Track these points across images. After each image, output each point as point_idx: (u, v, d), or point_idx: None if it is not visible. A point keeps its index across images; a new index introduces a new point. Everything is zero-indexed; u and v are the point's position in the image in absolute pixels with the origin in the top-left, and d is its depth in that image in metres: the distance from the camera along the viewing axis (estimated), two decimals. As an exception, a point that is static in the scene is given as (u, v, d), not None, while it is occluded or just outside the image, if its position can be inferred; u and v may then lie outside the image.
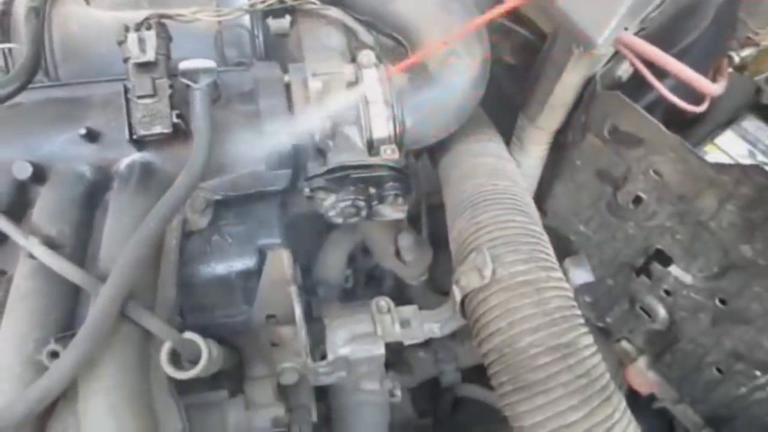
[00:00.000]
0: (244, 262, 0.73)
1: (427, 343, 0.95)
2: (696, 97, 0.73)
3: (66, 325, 0.60)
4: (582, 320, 0.63)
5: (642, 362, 0.92)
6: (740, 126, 0.82)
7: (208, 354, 0.61)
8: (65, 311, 0.61)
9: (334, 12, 0.77)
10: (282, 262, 0.68)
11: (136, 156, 0.70)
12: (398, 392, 0.90)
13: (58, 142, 0.69)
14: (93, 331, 0.55)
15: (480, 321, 0.64)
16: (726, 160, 0.80)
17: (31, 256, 0.61)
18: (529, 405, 0.58)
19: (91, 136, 0.69)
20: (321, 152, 0.72)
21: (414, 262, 0.90)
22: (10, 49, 0.76)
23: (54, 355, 0.55)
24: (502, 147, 0.86)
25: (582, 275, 0.77)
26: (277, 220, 0.75)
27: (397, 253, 0.89)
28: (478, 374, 1.13)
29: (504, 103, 0.89)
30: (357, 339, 0.73)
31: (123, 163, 0.70)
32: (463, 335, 1.15)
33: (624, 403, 0.60)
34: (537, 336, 0.59)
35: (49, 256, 0.60)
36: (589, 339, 0.62)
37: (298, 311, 0.68)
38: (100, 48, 0.78)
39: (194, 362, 0.61)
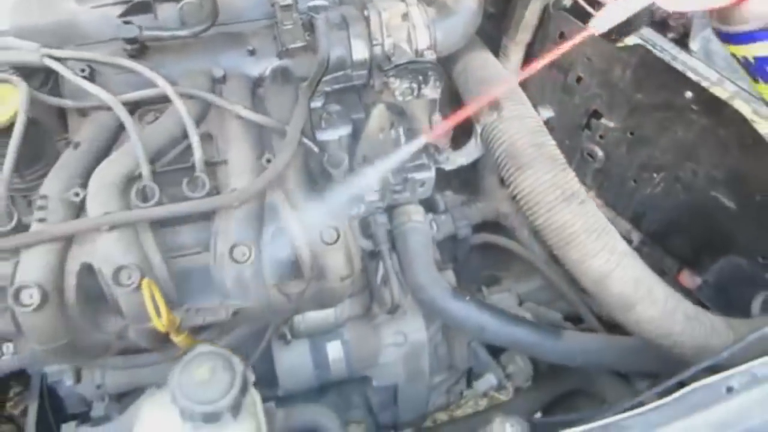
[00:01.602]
0: (345, 129, 1.21)
1: (446, 210, 1.44)
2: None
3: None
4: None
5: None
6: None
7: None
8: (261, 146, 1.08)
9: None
10: (382, 114, 1.16)
11: (279, 63, 1.16)
12: (434, 225, 1.38)
13: (233, 57, 1.15)
14: (289, 150, 1.02)
15: (494, 146, 1.13)
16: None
17: (238, 116, 1.07)
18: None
19: (252, 52, 1.15)
20: (388, 58, 1.20)
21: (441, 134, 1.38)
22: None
23: (269, 161, 1.03)
24: (493, 57, 1.35)
25: (546, 113, 1.26)
26: (359, 103, 1.23)
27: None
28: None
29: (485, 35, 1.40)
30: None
31: (269, 69, 1.17)
32: (470, 201, 1.64)
33: None
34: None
35: (251, 114, 1.07)
36: None
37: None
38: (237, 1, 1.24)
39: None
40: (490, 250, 1.67)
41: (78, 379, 1.28)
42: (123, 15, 1.18)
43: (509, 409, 1.59)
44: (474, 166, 1.55)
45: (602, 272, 1.05)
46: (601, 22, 0.97)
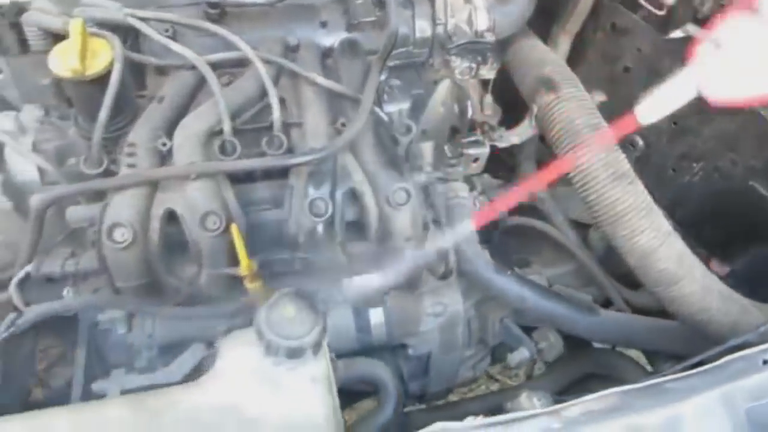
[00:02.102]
0: (405, 103, 1.27)
1: (483, 191, 1.50)
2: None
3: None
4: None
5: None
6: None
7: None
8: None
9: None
10: (447, 89, 1.22)
11: (348, 36, 1.23)
12: (476, 203, 1.45)
13: (306, 27, 1.21)
14: (363, 116, 1.08)
15: (550, 125, 1.20)
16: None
17: (313, 83, 1.13)
18: None
19: (323, 24, 1.22)
20: (449, 37, 1.27)
21: (492, 114, 1.45)
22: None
23: (343, 125, 1.09)
24: (543, 44, 1.42)
25: (599, 97, 1.32)
26: (419, 79, 1.30)
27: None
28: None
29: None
30: (473, 143, 1.29)
31: (338, 41, 1.23)
32: (506, 185, 1.70)
33: None
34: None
35: (327, 81, 1.13)
36: None
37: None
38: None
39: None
40: (521, 235, 1.73)
41: (129, 328, 1.33)
42: (200, -19, 1.24)
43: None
44: (511, 152, 1.61)
45: (649, 248, 1.12)
46: (647, 112, 0.98)
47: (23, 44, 1.16)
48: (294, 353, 0.86)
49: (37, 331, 1.21)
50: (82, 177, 1.13)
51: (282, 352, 0.86)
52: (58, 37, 1.14)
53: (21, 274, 1.06)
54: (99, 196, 1.05)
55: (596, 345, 1.75)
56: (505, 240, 1.70)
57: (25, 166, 1.15)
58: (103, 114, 0.99)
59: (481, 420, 0.87)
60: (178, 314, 1.19)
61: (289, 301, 0.88)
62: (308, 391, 0.88)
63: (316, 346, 0.87)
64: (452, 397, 2.08)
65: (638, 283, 1.54)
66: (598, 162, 1.14)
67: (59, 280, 1.08)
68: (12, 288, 1.06)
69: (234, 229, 0.95)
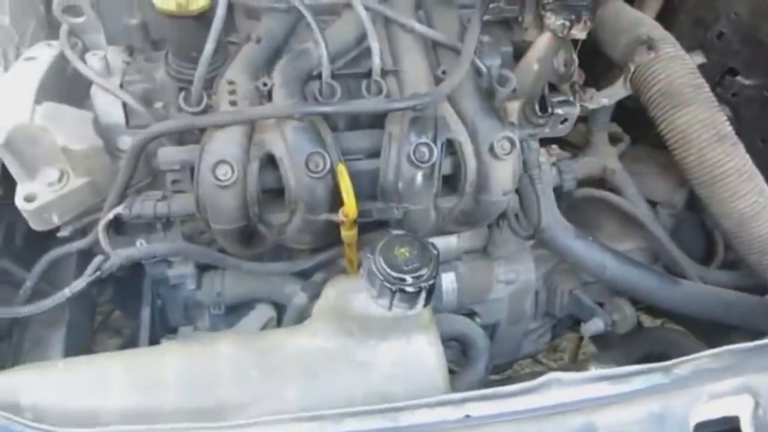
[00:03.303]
0: (495, 59, 1.24)
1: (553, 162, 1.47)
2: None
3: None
4: None
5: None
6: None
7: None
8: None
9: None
10: (546, 45, 1.19)
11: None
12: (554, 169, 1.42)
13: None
14: (465, 64, 1.05)
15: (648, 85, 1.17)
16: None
17: (410, 30, 1.11)
18: None
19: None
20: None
21: (565, 72, 1.40)
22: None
23: (444, 73, 1.06)
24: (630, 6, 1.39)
25: (698, 59, 1.29)
26: (507, 36, 1.27)
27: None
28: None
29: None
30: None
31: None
32: (576, 155, 1.67)
33: None
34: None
35: (427, 30, 1.10)
36: None
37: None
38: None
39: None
40: (584, 209, 1.70)
41: (199, 284, 1.32)
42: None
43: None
44: (583, 122, 1.59)
45: (750, 212, 1.10)
46: None
47: (110, -17, 1.13)
48: (408, 298, 0.84)
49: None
50: (165, 117, 1.12)
51: (396, 297, 0.84)
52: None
53: (110, 215, 1.05)
54: (189, 137, 1.04)
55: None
56: (567, 214, 1.68)
57: (112, 107, 1.13)
58: (209, 47, 0.97)
59: (593, 372, 0.85)
60: (252, 269, 1.18)
61: (404, 243, 0.86)
62: (420, 338, 0.86)
63: (430, 293, 0.85)
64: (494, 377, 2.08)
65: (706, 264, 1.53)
66: (700, 122, 1.11)
67: (148, 223, 1.07)
68: (101, 230, 1.05)
69: (342, 169, 0.93)
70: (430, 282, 0.83)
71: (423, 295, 0.84)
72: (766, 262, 1.15)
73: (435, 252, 0.86)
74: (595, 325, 1.43)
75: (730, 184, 1.11)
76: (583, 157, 1.62)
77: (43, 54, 1.17)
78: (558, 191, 1.50)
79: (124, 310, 1.56)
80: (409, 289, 0.83)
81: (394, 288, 0.83)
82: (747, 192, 1.10)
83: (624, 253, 1.67)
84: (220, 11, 0.97)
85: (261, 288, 1.32)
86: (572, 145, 1.70)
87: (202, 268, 1.27)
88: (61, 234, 1.13)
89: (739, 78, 1.35)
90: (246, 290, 1.33)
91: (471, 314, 1.46)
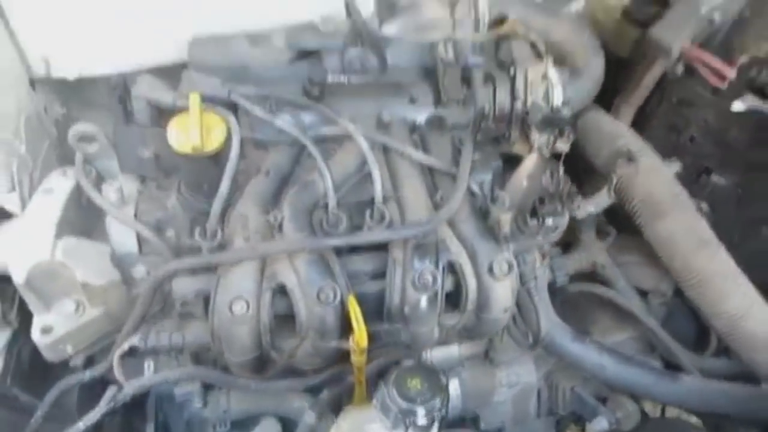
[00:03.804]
0: (487, 175, 1.33)
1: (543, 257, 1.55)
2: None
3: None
4: None
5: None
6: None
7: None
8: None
9: (532, 35, 1.40)
10: (535, 163, 1.28)
11: (434, 111, 1.30)
12: (547, 271, 1.49)
13: (397, 104, 1.28)
14: (461, 190, 1.14)
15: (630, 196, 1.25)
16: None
17: (409, 158, 1.20)
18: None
19: (412, 101, 1.29)
20: (526, 113, 1.34)
21: (553, 187, 1.48)
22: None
23: (442, 199, 1.14)
24: (609, 116, 1.50)
25: (675, 167, 1.39)
26: (496, 152, 1.36)
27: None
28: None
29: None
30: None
31: (425, 117, 1.30)
32: (569, 251, 1.75)
33: None
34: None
35: (425, 157, 1.19)
36: None
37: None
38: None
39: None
40: (578, 301, 1.77)
41: (205, 402, 1.34)
42: (292, 60, 1.32)
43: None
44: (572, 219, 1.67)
45: (738, 313, 1.17)
46: None
47: (128, 116, 1.22)
48: (422, 428, 0.88)
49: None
50: (181, 247, 1.18)
51: (411, 427, 0.88)
52: (162, 110, 1.21)
53: (125, 346, 1.08)
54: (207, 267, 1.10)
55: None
56: (561, 308, 1.74)
57: (126, 237, 1.19)
58: (225, 187, 1.05)
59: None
60: (261, 388, 1.21)
61: (415, 375, 0.91)
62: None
63: (441, 420, 0.90)
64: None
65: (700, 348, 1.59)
66: (682, 230, 1.19)
67: (164, 352, 1.11)
68: (116, 361, 1.08)
69: (352, 301, 0.99)
70: (442, 412, 0.88)
71: (435, 424, 0.89)
72: (759, 359, 1.20)
73: (444, 381, 0.91)
74: (599, 425, 1.46)
75: (716, 287, 1.18)
76: (573, 254, 1.70)
77: (60, 185, 1.23)
78: (552, 287, 1.56)
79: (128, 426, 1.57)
80: (423, 420, 0.87)
81: (408, 420, 0.87)
82: (733, 293, 1.18)
83: (620, 345, 1.73)
84: (233, 154, 1.05)
85: (267, 403, 1.35)
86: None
87: (208, 386, 1.30)
88: (73, 363, 1.16)
89: (713, 177, 1.45)
90: (252, 406, 1.36)
91: (475, 418, 1.49)
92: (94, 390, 1.17)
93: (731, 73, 1.36)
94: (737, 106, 1.47)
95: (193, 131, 1.05)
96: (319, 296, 1.00)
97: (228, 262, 1.02)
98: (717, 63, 1.29)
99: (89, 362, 1.21)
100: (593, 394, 1.54)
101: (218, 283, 1.02)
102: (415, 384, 0.89)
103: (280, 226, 1.06)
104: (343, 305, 1.02)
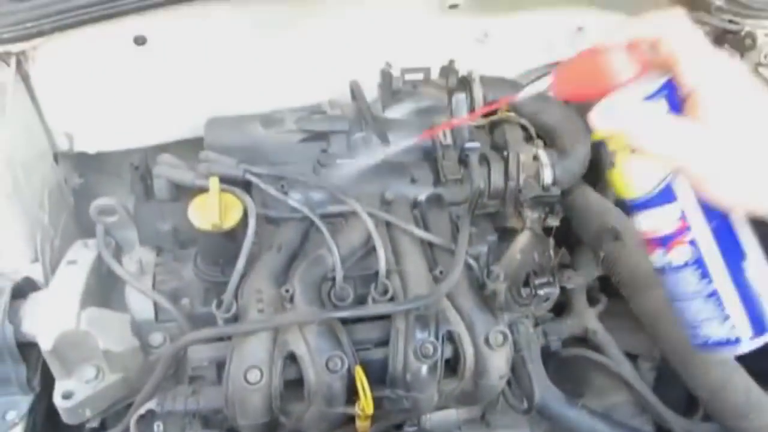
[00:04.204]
0: (482, 248, 1.43)
1: (538, 324, 1.64)
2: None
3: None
4: None
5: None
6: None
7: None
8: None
9: (523, 120, 1.53)
10: (527, 239, 1.39)
11: (434, 190, 1.42)
12: (541, 337, 1.58)
13: (399, 183, 1.40)
14: (460, 264, 1.24)
15: (616, 270, 1.36)
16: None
17: (410, 234, 1.30)
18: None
19: (413, 180, 1.41)
20: (519, 191, 1.46)
21: (545, 262, 1.59)
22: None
23: (441, 273, 1.24)
24: (595, 192, 1.62)
25: None
26: (490, 227, 1.47)
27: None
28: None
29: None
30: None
31: (425, 195, 1.41)
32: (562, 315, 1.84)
33: None
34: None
35: (426, 234, 1.30)
36: None
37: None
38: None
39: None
40: (572, 364, 1.85)
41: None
42: (302, 141, 1.44)
43: None
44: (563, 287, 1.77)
45: (719, 384, 1.25)
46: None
47: (148, 192, 1.32)
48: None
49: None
50: (195, 316, 1.27)
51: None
52: (180, 187, 1.32)
53: (142, 410, 1.16)
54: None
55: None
56: (558, 370, 1.81)
57: (144, 305, 1.28)
58: (241, 264, 1.14)
59: None
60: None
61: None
62: None
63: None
64: None
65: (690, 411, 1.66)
66: (666, 305, 1.29)
67: (178, 416, 1.17)
68: (132, 425, 1.15)
69: (359, 371, 1.07)
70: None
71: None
72: (742, 426, 1.28)
73: (445, 448, 0.98)
74: None
75: (697, 360, 1.27)
76: (566, 319, 1.79)
77: (83, 256, 1.32)
78: (545, 351, 1.64)
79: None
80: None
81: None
82: (714, 365, 1.26)
83: (615, 407, 1.80)
84: (250, 233, 1.15)
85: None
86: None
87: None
88: (89, 426, 1.23)
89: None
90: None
91: (473, 482, 1.54)
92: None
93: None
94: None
95: (212, 210, 1.15)
96: (328, 365, 1.09)
97: (243, 333, 1.10)
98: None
99: (102, 426, 1.28)
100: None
101: (233, 351, 1.10)
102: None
103: (292, 299, 1.15)
104: (349, 373, 1.10)
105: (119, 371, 1.19)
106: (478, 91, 1.48)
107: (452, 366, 1.24)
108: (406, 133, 1.46)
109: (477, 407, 1.50)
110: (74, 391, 1.17)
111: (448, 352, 1.22)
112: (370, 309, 1.15)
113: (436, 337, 1.16)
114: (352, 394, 1.12)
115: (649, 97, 0.71)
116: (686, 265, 0.77)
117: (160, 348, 1.22)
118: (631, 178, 0.76)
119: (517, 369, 1.36)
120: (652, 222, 0.77)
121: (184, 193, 1.32)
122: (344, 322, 1.18)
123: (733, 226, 0.76)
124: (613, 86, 0.72)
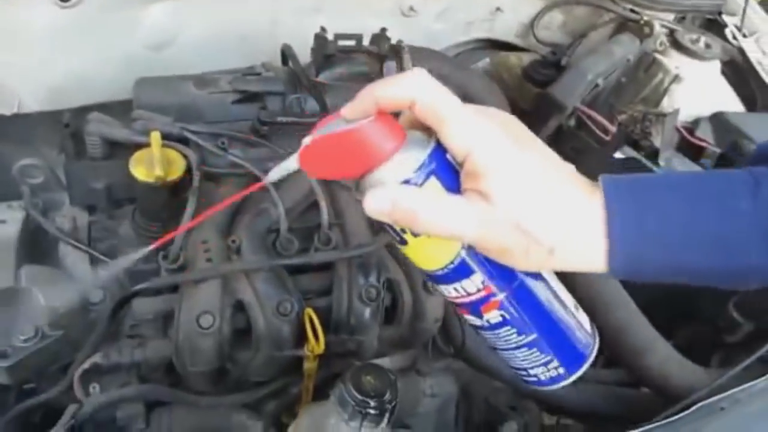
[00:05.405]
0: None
1: None
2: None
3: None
4: None
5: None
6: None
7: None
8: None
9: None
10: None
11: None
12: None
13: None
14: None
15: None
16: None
17: (347, 189, 1.39)
18: None
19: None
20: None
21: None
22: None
23: (379, 224, 1.34)
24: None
25: None
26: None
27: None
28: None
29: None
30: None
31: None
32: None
33: None
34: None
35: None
36: None
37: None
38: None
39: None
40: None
41: (147, 423, 1.42)
42: (236, 102, 1.48)
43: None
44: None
45: (621, 325, 1.45)
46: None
47: (80, 151, 1.32)
48: (375, 419, 1.05)
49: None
50: (134, 272, 1.28)
51: (367, 417, 1.04)
52: (114, 145, 1.32)
53: (86, 364, 1.16)
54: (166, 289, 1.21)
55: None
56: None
57: (81, 264, 1.28)
58: (187, 215, 1.18)
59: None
60: (210, 403, 1.32)
61: (368, 372, 1.07)
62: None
63: (392, 412, 1.07)
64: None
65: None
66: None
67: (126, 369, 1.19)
68: (76, 379, 1.16)
69: (309, 312, 1.15)
70: (393, 404, 1.05)
71: (387, 415, 1.05)
72: (639, 363, 1.48)
73: (393, 378, 1.08)
74: (510, 428, 1.68)
75: (599, 304, 1.46)
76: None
77: (10, 216, 1.30)
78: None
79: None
80: (376, 411, 1.04)
81: (364, 411, 1.03)
82: (614, 308, 1.46)
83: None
84: (195, 183, 1.19)
85: (211, 420, 1.44)
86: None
87: (151, 407, 1.38)
88: (27, 386, 1.22)
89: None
90: (195, 423, 1.44)
91: (405, 426, 1.66)
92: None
93: (613, 128, 1.69)
94: (618, 154, 1.81)
95: (155, 164, 1.18)
96: (279, 309, 1.15)
97: (192, 280, 1.14)
98: (601, 119, 1.62)
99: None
100: (505, 403, 1.77)
101: (182, 300, 1.14)
102: (368, 380, 1.05)
103: (238, 250, 1.21)
104: (297, 317, 1.17)
105: (59, 329, 1.19)
106: (407, 60, 1.58)
107: (389, 315, 1.34)
108: (340, 97, 1.54)
109: (409, 358, 1.61)
110: (13, 350, 1.15)
111: (387, 300, 1.32)
112: (316, 257, 1.22)
113: (378, 283, 1.26)
114: (299, 339, 1.19)
115: (419, 169, 0.63)
116: (501, 324, 0.78)
117: (101, 305, 1.22)
118: (425, 254, 0.72)
119: (447, 316, 1.49)
120: (456, 292, 0.75)
121: (118, 150, 1.33)
122: (289, 272, 1.25)
123: (534, 281, 0.76)
124: (373, 162, 0.63)
